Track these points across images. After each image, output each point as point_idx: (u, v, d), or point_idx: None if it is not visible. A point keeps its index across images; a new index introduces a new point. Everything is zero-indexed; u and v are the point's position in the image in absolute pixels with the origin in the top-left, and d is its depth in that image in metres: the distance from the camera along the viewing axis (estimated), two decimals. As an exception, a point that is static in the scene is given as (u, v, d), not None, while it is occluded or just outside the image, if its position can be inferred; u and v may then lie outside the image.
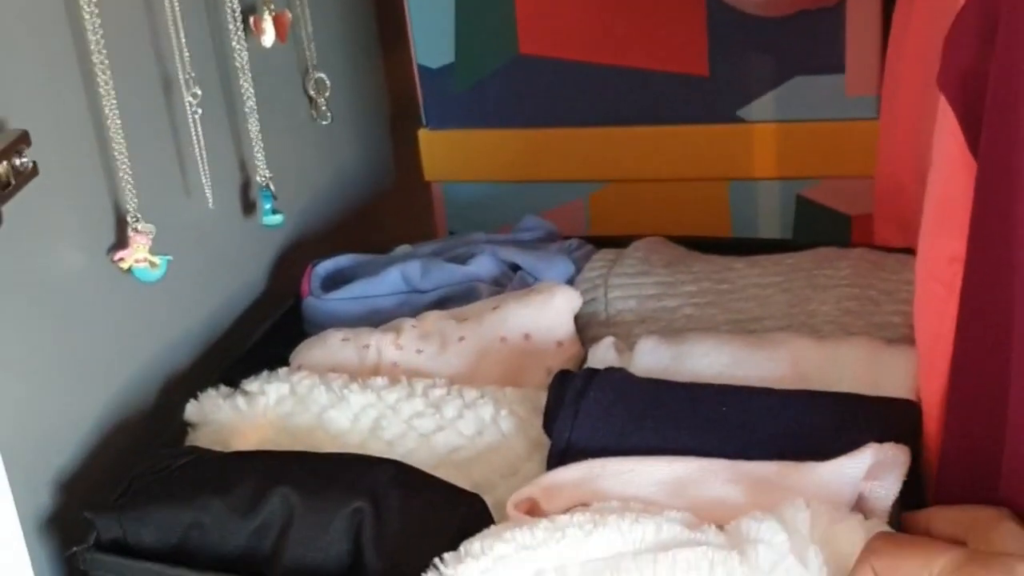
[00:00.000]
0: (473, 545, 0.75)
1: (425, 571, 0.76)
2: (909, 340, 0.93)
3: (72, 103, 0.88)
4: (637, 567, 0.74)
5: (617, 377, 0.88)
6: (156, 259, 0.92)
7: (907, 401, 0.85)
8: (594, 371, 0.89)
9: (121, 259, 0.91)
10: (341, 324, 1.04)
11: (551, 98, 1.31)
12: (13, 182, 0.75)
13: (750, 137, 1.28)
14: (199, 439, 0.92)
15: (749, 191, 1.31)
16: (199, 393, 0.94)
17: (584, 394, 0.86)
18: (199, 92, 0.95)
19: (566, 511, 0.79)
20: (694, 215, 1.32)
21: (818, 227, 1.30)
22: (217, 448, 0.91)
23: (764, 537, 0.74)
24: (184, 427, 0.94)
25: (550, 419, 0.87)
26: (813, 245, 1.07)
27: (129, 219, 0.91)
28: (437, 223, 1.39)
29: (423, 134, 1.34)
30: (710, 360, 0.91)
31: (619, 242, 1.12)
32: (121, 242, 0.92)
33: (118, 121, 0.88)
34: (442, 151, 1.34)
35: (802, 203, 1.30)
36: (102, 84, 0.86)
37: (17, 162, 0.76)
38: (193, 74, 0.94)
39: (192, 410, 0.94)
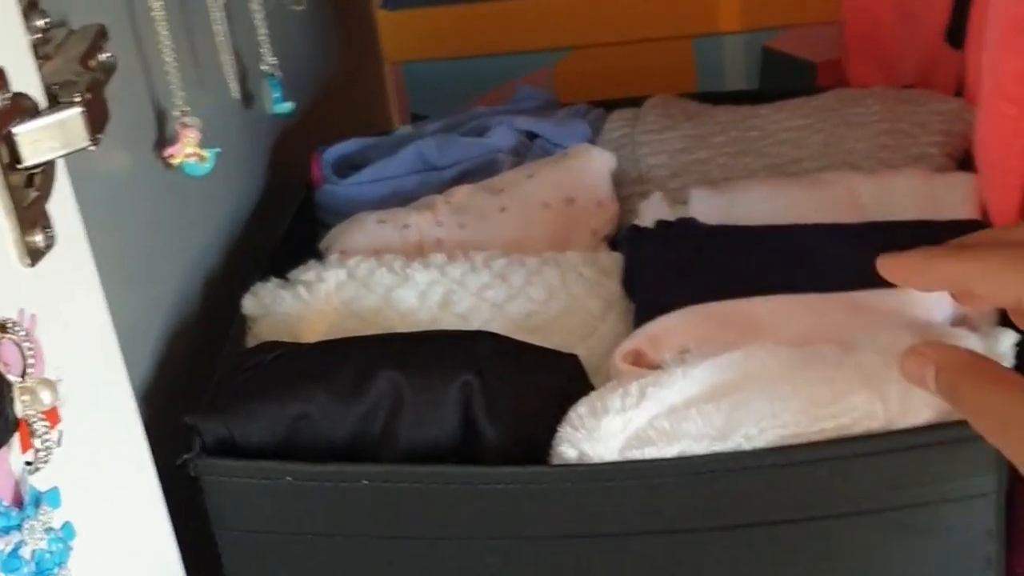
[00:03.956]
0: (608, 397, 0.75)
1: (539, 433, 0.77)
2: (948, 168, 0.95)
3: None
4: (765, 392, 0.75)
5: (692, 226, 0.89)
6: (205, 152, 0.89)
7: (976, 222, 0.87)
8: (668, 223, 0.89)
9: (171, 155, 0.88)
10: (361, 209, 1.03)
11: (509, -32, 1.30)
12: (102, 78, 0.72)
13: (713, -9, 1.29)
14: (262, 332, 0.91)
15: (714, 46, 1.32)
16: (252, 287, 0.92)
17: (665, 245, 0.87)
18: (222, -22, 0.92)
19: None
20: (660, 75, 1.32)
21: (784, 76, 1.32)
22: (284, 339, 0.90)
23: (870, 344, 0.76)
24: (241, 323, 0.92)
25: (631, 275, 0.88)
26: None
27: (176, 113, 0.88)
28: (397, 105, 1.37)
29: (381, 15, 1.32)
30: (768, 205, 0.92)
31: (622, 103, 1.12)
32: (165, 138, 0.89)
33: (162, 12, 0.84)
34: (401, 31, 1.32)
35: (767, 54, 1.31)
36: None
37: (102, 57, 0.73)
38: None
39: (250, 304, 0.92)
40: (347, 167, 1.09)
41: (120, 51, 0.85)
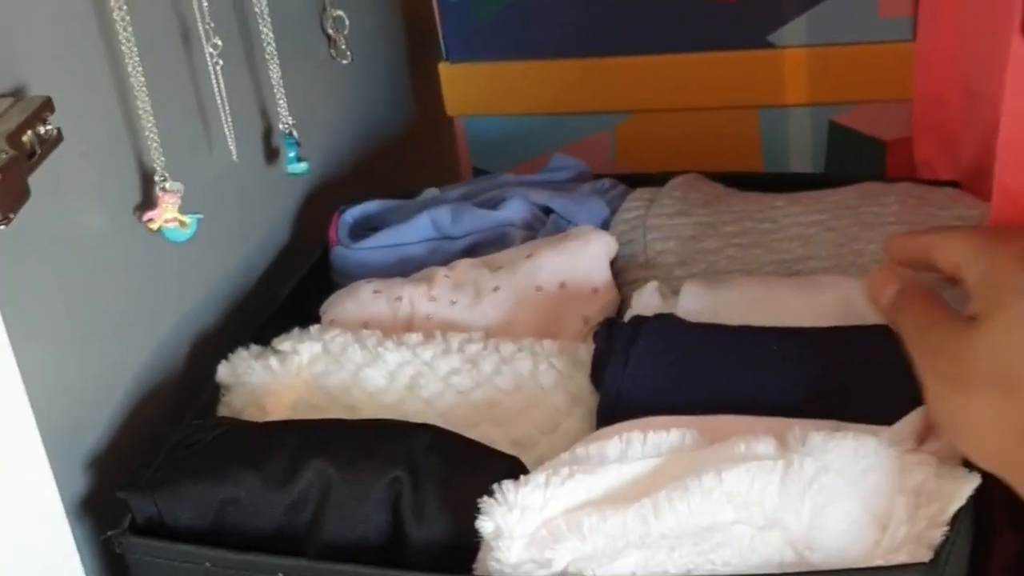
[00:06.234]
0: (534, 473, 0.74)
1: (469, 539, 0.75)
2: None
3: (91, 61, 0.84)
4: (686, 487, 0.72)
5: (668, 324, 0.85)
6: (186, 218, 0.89)
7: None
8: (643, 318, 0.86)
9: (150, 220, 0.88)
10: (371, 273, 1.02)
11: (575, 28, 1.26)
12: (38, 151, 0.72)
13: (781, 63, 1.24)
14: (232, 401, 0.90)
15: (780, 118, 1.27)
16: (230, 354, 0.92)
17: (634, 343, 0.84)
18: (219, 43, 0.91)
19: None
20: (723, 144, 1.28)
21: (852, 153, 1.27)
22: (252, 409, 0.89)
23: (812, 449, 0.72)
24: (217, 390, 0.91)
25: (598, 370, 0.85)
26: (852, 179, 1.03)
27: (156, 178, 0.88)
28: (460, 159, 1.36)
29: (443, 68, 1.30)
30: (759, 305, 0.88)
31: (651, 179, 1.09)
32: (148, 202, 0.89)
33: (141, 79, 0.84)
34: (464, 85, 1.31)
35: (835, 129, 1.26)
36: (124, 41, 0.82)
37: (42, 130, 0.73)
38: (212, 24, 0.91)
39: (224, 372, 0.91)
40: (367, 228, 1.08)
41: (106, 114, 0.85)
